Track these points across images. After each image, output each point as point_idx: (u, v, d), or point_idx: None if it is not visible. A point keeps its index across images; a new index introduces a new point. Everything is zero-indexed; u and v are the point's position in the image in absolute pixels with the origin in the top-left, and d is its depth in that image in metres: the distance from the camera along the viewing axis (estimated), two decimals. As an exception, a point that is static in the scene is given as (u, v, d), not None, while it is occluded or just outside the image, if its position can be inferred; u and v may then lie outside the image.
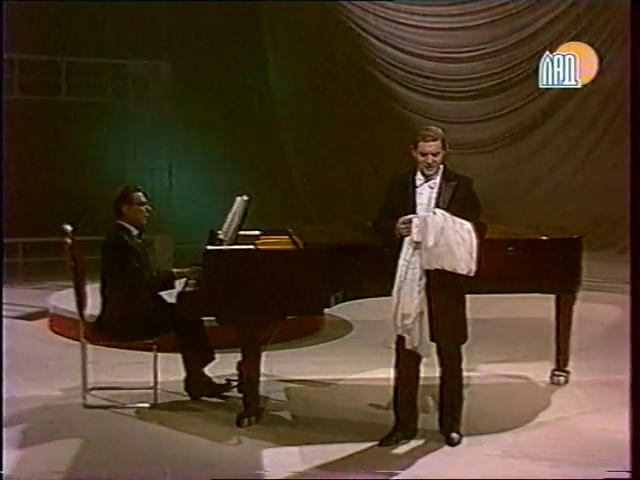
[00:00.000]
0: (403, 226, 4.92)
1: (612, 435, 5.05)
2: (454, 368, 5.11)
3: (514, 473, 4.71)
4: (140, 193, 5.99)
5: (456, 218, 4.89)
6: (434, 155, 5.01)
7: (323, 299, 5.38)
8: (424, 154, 5.01)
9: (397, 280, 4.94)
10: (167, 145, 12.79)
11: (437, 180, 5.04)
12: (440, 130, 5.11)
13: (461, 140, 13.10)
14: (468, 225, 4.91)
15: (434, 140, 5.02)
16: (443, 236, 4.83)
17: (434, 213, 4.90)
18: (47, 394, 6.06)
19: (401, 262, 4.94)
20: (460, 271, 4.87)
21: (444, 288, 4.93)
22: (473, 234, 4.90)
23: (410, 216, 4.93)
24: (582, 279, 6.17)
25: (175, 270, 5.92)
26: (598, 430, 5.36)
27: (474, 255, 4.89)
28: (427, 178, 5.04)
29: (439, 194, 5.00)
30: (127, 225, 5.92)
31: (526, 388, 6.35)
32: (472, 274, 4.91)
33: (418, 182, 5.05)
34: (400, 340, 5.00)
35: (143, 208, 5.97)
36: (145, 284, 5.78)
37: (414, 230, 4.88)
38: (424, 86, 14.07)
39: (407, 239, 4.93)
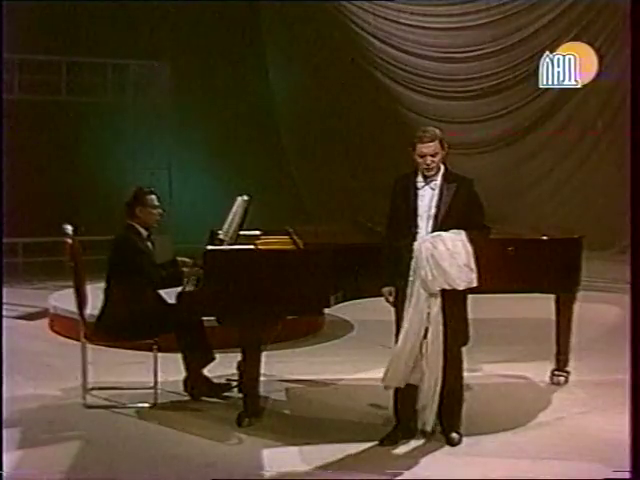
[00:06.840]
0: (389, 296, 5.02)
1: (612, 435, 5.05)
2: (454, 368, 5.09)
3: (514, 473, 4.71)
4: (154, 196, 5.97)
5: (446, 235, 4.86)
6: (432, 156, 4.96)
7: (323, 299, 5.38)
8: (422, 156, 4.97)
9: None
10: (167, 145, 12.78)
11: (438, 181, 5.01)
12: (438, 130, 5.05)
13: (461, 140, 13.09)
14: (462, 235, 4.89)
15: (432, 141, 4.97)
16: (434, 262, 4.83)
17: (431, 233, 4.90)
18: (47, 394, 6.06)
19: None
20: (460, 288, 4.88)
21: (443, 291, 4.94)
22: (468, 245, 4.87)
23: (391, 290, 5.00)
24: (582, 279, 6.18)
25: (184, 269, 5.88)
26: (598, 430, 5.36)
27: (472, 265, 4.88)
28: (428, 180, 5.01)
29: (440, 195, 4.97)
30: (137, 227, 5.92)
31: (526, 388, 6.35)
32: (474, 285, 4.91)
33: (419, 184, 5.02)
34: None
35: (155, 211, 5.96)
36: (153, 284, 5.78)
37: None
38: (424, 86, 14.05)
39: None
